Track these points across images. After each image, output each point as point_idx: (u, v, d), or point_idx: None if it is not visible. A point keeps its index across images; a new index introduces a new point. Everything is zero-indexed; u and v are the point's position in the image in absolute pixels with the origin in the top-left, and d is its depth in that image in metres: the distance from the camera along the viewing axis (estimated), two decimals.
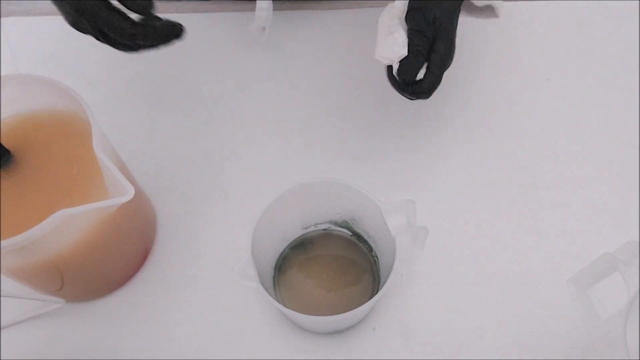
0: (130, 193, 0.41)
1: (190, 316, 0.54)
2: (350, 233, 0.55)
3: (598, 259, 0.44)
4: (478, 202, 0.59)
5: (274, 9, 0.61)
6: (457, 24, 0.52)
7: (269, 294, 0.46)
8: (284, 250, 0.55)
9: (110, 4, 0.44)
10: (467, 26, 0.72)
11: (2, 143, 0.47)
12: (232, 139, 0.64)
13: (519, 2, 0.71)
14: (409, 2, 0.52)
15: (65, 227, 0.41)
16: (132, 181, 0.52)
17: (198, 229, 0.59)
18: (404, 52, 0.50)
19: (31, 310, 0.54)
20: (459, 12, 0.53)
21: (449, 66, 0.52)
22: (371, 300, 0.46)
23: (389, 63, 0.51)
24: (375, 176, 0.60)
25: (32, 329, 0.54)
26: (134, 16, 0.45)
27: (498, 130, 0.64)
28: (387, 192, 0.60)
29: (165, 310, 0.55)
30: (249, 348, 0.53)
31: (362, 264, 0.55)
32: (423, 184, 0.61)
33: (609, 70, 0.67)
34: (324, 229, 0.56)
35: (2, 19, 0.71)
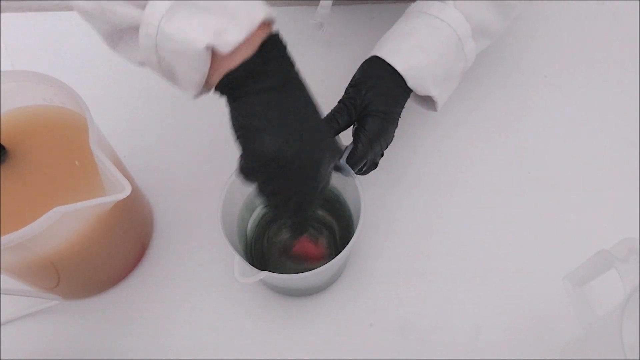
0: (127, 190, 0.41)
1: (186, 313, 0.54)
2: None
3: (594, 256, 0.45)
4: (474, 200, 0.60)
5: None
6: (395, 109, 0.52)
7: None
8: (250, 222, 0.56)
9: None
10: None
11: None
12: (230, 137, 0.64)
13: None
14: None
15: (61, 224, 0.41)
16: (129, 178, 0.52)
17: (195, 226, 0.59)
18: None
19: (28, 308, 0.53)
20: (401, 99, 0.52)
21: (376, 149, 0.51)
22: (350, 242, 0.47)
23: None
24: (374, 173, 0.60)
25: (28, 326, 0.54)
26: None
27: (495, 129, 0.64)
28: (387, 190, 0.60)
29: (161, 307, 0.55)
30: (246, 345, 0.53)
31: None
32: (419, 182, 0.61)
33: (609, 70, 0.68)
34: None
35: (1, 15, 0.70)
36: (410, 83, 0.51)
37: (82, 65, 0.68)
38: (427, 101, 0.56)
